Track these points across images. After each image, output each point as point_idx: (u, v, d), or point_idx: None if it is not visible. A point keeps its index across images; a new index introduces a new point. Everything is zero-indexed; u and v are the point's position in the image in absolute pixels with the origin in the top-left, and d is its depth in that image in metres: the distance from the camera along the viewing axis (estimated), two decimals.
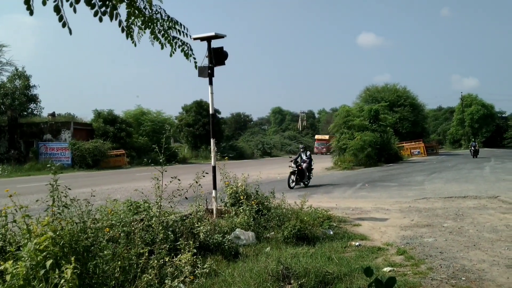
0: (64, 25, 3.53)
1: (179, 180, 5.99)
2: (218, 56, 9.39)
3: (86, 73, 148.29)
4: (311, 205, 9.37)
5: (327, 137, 69.25)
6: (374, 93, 54.05)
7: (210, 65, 9.38)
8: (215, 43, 9.48)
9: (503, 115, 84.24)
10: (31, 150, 37.19)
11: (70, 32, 3.58)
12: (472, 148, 41.99)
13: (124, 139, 41.67)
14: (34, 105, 45.63)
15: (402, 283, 5.47)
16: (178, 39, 4.79)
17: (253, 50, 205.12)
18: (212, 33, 9.30)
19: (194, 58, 5.08)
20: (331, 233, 8.47)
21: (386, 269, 6.19)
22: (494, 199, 12.97)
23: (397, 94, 53.96)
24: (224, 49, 9.42)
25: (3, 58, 38.83)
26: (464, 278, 5.75)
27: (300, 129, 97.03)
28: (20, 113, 41.51)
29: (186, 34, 4.78)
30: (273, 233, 8.19)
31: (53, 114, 42.66)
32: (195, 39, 9.46)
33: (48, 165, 5.26)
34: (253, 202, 8.76)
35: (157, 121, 48.42)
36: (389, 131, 37.95)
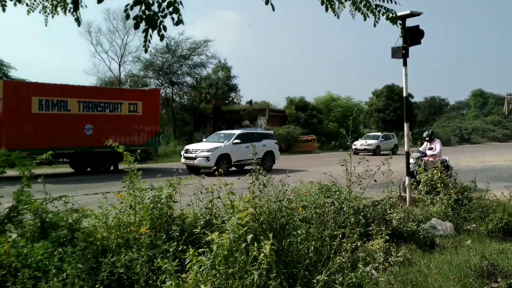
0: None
1: (367, 160, 5.80)
2: (413, 35, 8.88)
3: (279, 61, 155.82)
4: None
5: None
6: None
7: (405, 45, 8.93)
8: (409, 22, 9.00)
9: None
10: None
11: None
12: None
13: (315, 125, 42.88)
14: (234, 94, 49.54)
15: None
16: (382, 6, 4.60)
17: (451, 27, 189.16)
18: (407, 11, 8.81)
19: (400, 24, 4.83)
20: None
21: None
22: None
23: None
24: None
25: (209, 52, 42.73)
26: None
27: (506, 113, 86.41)
28: (222, 102, 45.66)
29: (391, 0, 4.54)
30: (474, 225, 7.51)
31: (250, 102, 46.08)
32: (387, 19, 9.11)
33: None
34: (451, 191, 8.14)
35: (347, 107, 48.55)
36: None
